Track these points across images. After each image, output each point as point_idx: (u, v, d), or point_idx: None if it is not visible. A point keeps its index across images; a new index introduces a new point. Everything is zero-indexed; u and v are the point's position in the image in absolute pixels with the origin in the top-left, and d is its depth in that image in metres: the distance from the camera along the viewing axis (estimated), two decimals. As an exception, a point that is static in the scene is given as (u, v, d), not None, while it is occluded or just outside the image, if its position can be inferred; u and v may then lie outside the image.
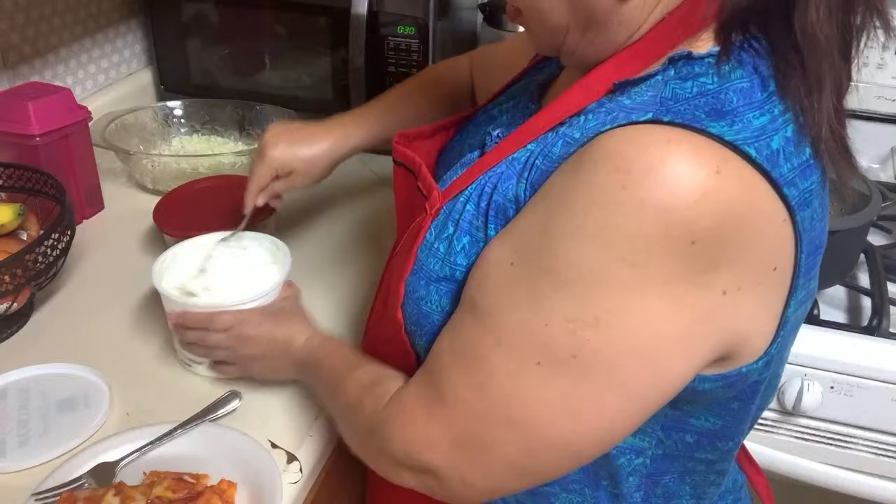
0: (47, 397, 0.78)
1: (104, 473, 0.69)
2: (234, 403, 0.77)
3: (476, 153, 0.65)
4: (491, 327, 0.51)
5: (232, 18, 1.30)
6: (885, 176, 1.38)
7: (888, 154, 1.40)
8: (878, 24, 0.50)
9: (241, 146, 1.28)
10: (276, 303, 0.80)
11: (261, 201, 0.88)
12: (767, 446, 1.04)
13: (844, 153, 0.52)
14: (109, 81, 1.37)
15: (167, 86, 1.40)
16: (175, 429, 0.73)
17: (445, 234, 0.58)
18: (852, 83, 0.53)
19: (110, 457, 0.70)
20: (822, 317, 1.03)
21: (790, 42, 0.49)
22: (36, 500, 0.66)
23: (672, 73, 0.50)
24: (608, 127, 0.49)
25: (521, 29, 0.63)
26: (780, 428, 1.05)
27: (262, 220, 0.99)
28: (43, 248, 0.83)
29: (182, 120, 1.29)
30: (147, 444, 0.71)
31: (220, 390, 0.79)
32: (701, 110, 0.47)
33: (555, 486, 0.62)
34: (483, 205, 0.56)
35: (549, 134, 0.55)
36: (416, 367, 0.62)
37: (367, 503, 0.83)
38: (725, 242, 0.46)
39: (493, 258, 0.53)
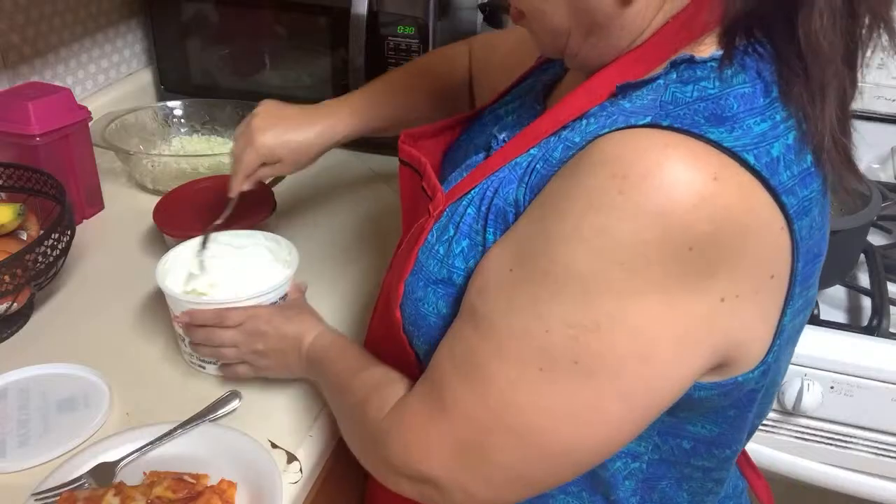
0: (47, 397, 0.78)
1: (104, 473, 0.69)
2: (235, 403, 0.77)
3: (481, 155, 0.65)
4: (491, 334, 0.51)
5: (232, 18, 1.30)
6: (885, 176, 1.38)
7: (888, 154, 1.40)
8: (883, 30, 0.50)
9: (241, 146, 1.28)
10: (288, 297, 0.80)
11: (247, 186, 0.88)
12: (767, 446, 1.03)
13: (847, 163, 0.51)
14: (109, 81, 1.37)
15: (167, 86, 1.40)
16: (175, 429, 0.73)
17: (446, 237, 0.58)
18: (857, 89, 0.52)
19: (110, 457, 0.70)
20: (822, 317, 1.03)
21: (794, 48, 0.48)
22: (36, 500, 0.66)
23: (674, 76, 0.50)
24: (607, 130, 0.48)
25: (523, 29, 0.63)
26: (780, 428, 1.05)
27: (262, 219, 0.99)
28: (43, 248, 0.83)
29: (182, 120, 1.29)
30: (147, 444, 0.71)
31: (220, 390, 0.79)
32: (700, 115, 0.47)
33: (553, 488, 0.62)
34: (483, 209, 0.56)
35: (552, 138, 0.55)
36: (415, 365, 0.62)
37: (367, 503, 0.83)
38: (723, 249, 0.46)
39: (492, 264, 0.53)
